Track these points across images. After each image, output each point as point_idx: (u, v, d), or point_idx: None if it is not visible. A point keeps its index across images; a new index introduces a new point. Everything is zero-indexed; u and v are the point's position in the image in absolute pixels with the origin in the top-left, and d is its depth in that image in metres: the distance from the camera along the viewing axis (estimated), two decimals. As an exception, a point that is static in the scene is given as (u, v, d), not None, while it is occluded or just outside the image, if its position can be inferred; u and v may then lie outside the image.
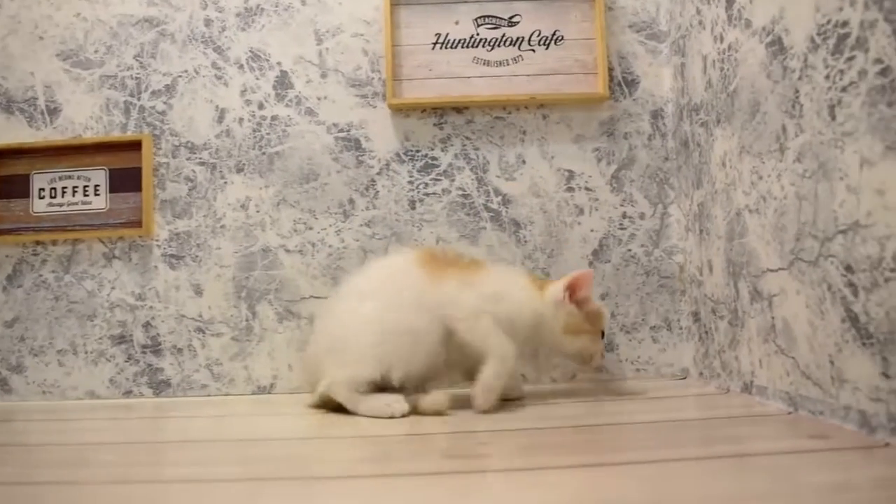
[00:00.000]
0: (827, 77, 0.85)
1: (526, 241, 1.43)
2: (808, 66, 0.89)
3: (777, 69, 0.97)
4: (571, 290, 1.16)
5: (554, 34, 1.44)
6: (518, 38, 1.44)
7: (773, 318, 1.02)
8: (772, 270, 1.01)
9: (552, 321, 1.16)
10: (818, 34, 0.87)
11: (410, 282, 1.13)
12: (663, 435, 0.90)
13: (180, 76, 1.48)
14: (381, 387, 1.11)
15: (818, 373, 0.90)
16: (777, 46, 0.97)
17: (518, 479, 0.72)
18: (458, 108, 1.45)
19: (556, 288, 1.17)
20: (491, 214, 1.43)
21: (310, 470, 0.80)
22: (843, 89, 0.82)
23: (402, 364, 1.10)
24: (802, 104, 0.91)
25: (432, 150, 1.45)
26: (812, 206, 0.89)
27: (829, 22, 0.84)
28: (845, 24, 0.81)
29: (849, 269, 0.82)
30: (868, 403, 0.80)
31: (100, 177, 1.47)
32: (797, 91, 0.92)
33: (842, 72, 0.82)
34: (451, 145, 1.45)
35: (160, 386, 1.43)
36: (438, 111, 1.45)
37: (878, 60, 0.76)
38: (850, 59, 0.80)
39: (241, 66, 1.47)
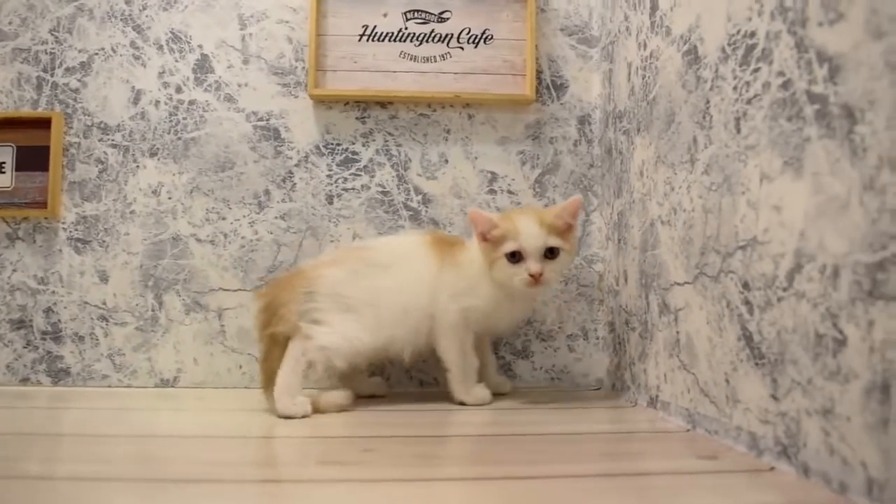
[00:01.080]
0: (735, 88, 0.83)
1: (445, 243, 1.39)
2: (719, 77, 0.87)
3: (691, 78, 0.95)
4: (478, 231, 1.15)
5: (484, 33, 1.41)
6: (447, 35, 1.41)
7: (677, 332, 1.00)
8: (678, 284, 0.99)
9: (484, 263, 1.16)
10: (729, 44, 0.85)
11: (422, 261, 1.19)
12: (559, 449, 0.87)
13: (97, 54, 1.41)
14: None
15: (715, 391, 0.88)
16: (692, 55, 0.95)
17: (391, 492, 0.68)
18: (382, 103, 1.41)
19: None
20: (410, 213, 1.40)
21: (177, 471, 0.75)
22: (749, 101, 0.80)
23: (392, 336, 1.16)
24: (712, 115, 0.89)
25: (353, 144, 1.41)
26: (716, 220, 0.87)
27: (738, 32, 0.82)
28: (753, 34, 0.79)
29: (746, 286, 0.80)
30: (757, 425, 0.78)
31: (6, 153, 1.40)
32: (708, 102, 0.90)
33: (748, 83, 0.80)
34: (373, 140, 1.41)
35: (59, 374, 1.37)
36: (362, 105, 1.41)
37: (781, 73, 0.74)
38: (756, 70, 0.78)
39: (161, 47, 1.41)
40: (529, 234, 1.10)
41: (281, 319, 1.13)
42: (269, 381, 1.12)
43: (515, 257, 1.10)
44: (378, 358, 1.21)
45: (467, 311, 1.17)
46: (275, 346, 1.14)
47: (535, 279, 1.09)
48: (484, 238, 1.14)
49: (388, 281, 1.17)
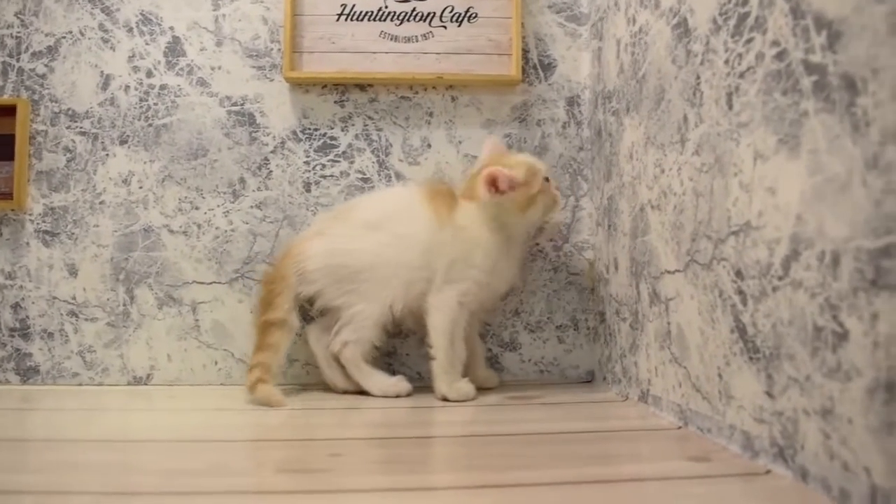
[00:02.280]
0: (726, 62, 0.77)
1: (428, 231, 1.34)
2: (710, 50, 0.81)
3: (681, 53, 0.89)
4: (492, 187, 1.12)
5: (468, 11, 1.34)
6: (429, 14, 1.34)
7: (668, 323, 0.94)
8: (669, 272, 0.93)
9: (509, 213, 1.15)
10: (720, 14, 0.79)
11: (419, 218, 1.17)
12: (545, 451, 0.81)
13: (64, 37, 1.35)
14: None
15: (707, 386, 0.83)
16: (682, 28, 0.89)
17: (362, 502, 0.63)
18: (362, 86, 1.35)
19: (484, 194, 1.13)
20: (392, 201, 1.34)
21: (144, 483, 0.69)
22: (741, 75, 0.74)
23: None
24: (703, 91, 0.83)
25: (332, 129, 1.34)
26: (708, 204, 0.81)
27: (730, 0, 0.76)
28: (746, 2, 0.73)
29: (739, 274, 0.74)
30: (752, 424, 0.73)
31: (-30, 143, 1.34)
32: (698, 77, 0.84)
33: (740, 56, 0.74)
34: (353, 125, 1.35)
35: (28, 373, 1.31)
36: (340, 88, 1.35)
37: (775, 42, 0.67)
38: (749, 41, 0.72)
39: (131, 30, 1.35)
40: (541, 165, 1.18)
41: (275, 308, 1.14)
42: (261, 374, 1.11)
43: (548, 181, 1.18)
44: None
45: (465, 295, 1.14)
46: (267, 334, 1.13)
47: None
48: (499, 191, 1.12)
49: (381, 240, 1.15)
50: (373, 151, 1.34)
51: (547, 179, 1.18)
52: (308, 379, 1.28)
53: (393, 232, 1.16)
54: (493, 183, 1.12)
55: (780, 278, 0.67)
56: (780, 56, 0.67)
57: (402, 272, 1.15)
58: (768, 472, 0.69)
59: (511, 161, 1.16)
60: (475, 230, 1.15)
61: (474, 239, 1.14)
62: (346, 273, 1.15)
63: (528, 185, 1.14)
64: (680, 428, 0.90)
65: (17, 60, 1.34)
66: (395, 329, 1.24)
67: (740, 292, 0.74)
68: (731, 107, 0.76)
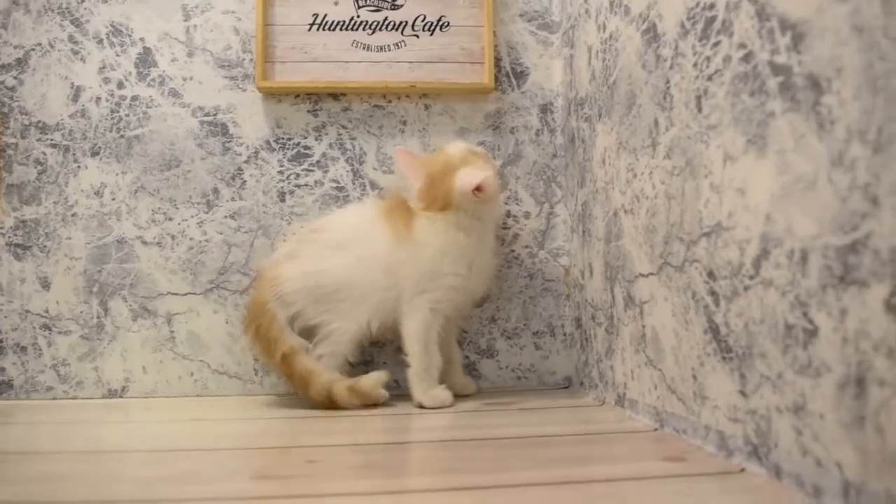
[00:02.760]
0: (695, 65, 0.78)
1: (403, 239, 1.33)
2: (679, 54, 0.82)
3: (651, 58, 0.90)
4: (478, 192, 1.12)
5: (440, 20, 1.35)
6: (401, 23, 1.35)
7: (643, 326, 0.94)
8: (643, 275, 0.94)
9: (485, 209, 1.17)
10: (688, 18, 0.79)
11: (378, 238, 1.16)
12: (522, 454, 0.81)
13: (33, 49, 1.34)
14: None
15: (682, 387, 0.83)
16: (651, 34, 0.90)
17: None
18: (335, 95, 1.35)
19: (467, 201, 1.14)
20: (367, 209, 1.34)
21: (120, 491, 0.69)
22: (709, 78, 0.75)
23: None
24: (672, 95, 0.84)
25: (305, 138, 1.34)
26: (679, 206, 0.82)
27: (697, 4, 0.77)
28: (712, 5, 0.74)
29: (711, 275, 0.75)
30: (726, 424, 0.73)
31: (-60, 157, 1.32)
32: (668, 81, 0.85)
33: (708, 59, 0.75)
34: (326, 134, 1.34)
35: (1, 387, 1.29)
36: (313, 97, 1.35)
37: (742, 45, 0.68)
38: (716, 44, 0.73)
39: (101, 41, 1.34)
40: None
41: (280, 342, 1.13)
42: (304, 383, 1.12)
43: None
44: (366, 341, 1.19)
45: (438, 302, 1.13)
46: (297, 363, 1.12)
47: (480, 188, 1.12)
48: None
49: (347, 262, 1.15)
50: (347, 160, 1.34)
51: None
52: (286, 388, 1.27)
53: (356, 254, 1.15)
54: (480, 190, 1.11)
55: (751, 278, 0.67)
56: (746, 58, 0.68)
57: (371, 293, 1.14)
58: (742, 470, 0.69)
59: (462, 158, 1.15)
60: (439, 241, 1.13)
61: (441, 249, 1.13)
62: (322, 293, 1.14)
63: (443, 177, 1.14)
64: (656, 430, 0.90)
65: (-14, 73, 1.33)
66: (372, 342, 1.24)
67: (713, 293, 0.75)
68: (700, 109, 0.77)
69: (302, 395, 1.13)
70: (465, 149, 1.17)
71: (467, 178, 1.11)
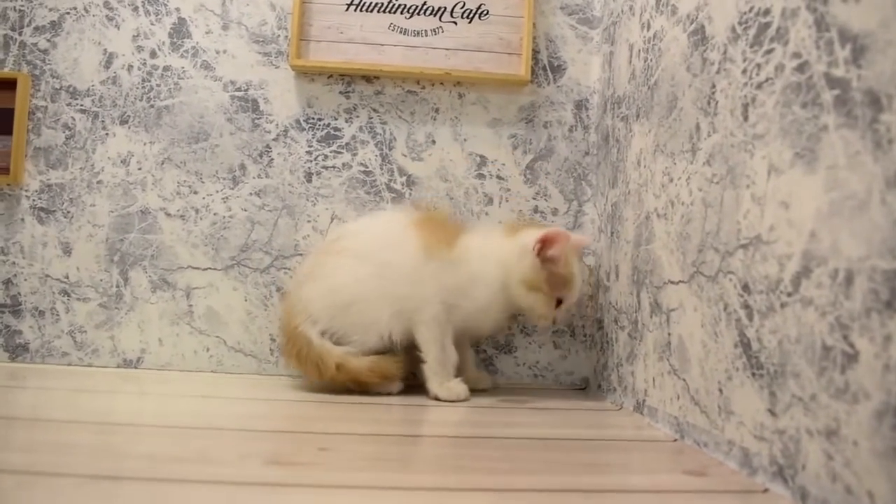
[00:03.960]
0: (744, 72, 0.76)
1: (428, 228, 1.32)
2: (727, 59, 0.80)
3: (697, 61, 0.88)
4: (543, 243, 1.08)
5: (479, 7, 1.33)
6: (440, 8, 1.33)
7: (669, 334, 0.93)
8: (672, 282, 0.92)
9: (514, 267, 1.11)
10: (739, 23, 0.77)
11: (404, 247, 1.12)
12: (537, 456, 0.80)
13: (68, 13, 1.33)
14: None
15: (706, 400, 0.81)
16: (699, 36, 0.87)
17: (344, 501, 0.61)
18: (368, 78, 1.33)
19: (530, 237, 1.09)
20: (393, 195, 1.32)
21: (129, 467, 0.68)
22: (759, 86, 0.72)
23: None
24: (718, 101, 0.81)
25: (336, 119, 1.33)
26: (717, 215, 0.80)
27: (751, 9, 0.75)
28: (767, 11, 0.72)
29: (746, 288, 0.73)
30: (751, 441, 0.71)
31: (-31, 115, 1.32)
32: (714, 86, 0.83)
33: (759, 66, 0.73)
34: (357, 116, 1.33)
35: (17, 350, 1.29)
36: (346, 78, 1.33)
37: (797, 55, 0.66)
38: (769, 52, 0.71)
39: (136, 9, 1.33)
40: (577, 289, 1.13)
41: (326, 364, 1.11)
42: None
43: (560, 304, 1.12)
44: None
45: (452, 308, 1.11)
46: (361, 373, 1.11)
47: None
48: (542, 250, 1.09)
49: (369, 269, 1.12)
50: (376, 144, 1.33)
51: (560, 302, 1.13)
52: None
53: (378, 261, 1.12)
54: (548, 242, 1.08)
55: (789, 294, 0.65)
56: (800, 68, 0.65)
57: (391, 302, 1.11)
58: (766, 490, 0.68)
59: (571, 259, 1.12)
60: (475, 265, 1.12)
61: (472, 274, 1.11)
62: (342, 306, 1.12)
63: (551, 280, 1.10)
64: (675, 440, 0.88)
65: (20, 34, 1.33)
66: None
67: (746, 307, 0.73)
68: (746, 118, 0.75)
69: (377, 391, 1.12)
70: (578, 272, 1.14)
71: (553, 229, 1.09)
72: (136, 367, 1.29)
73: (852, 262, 0.57)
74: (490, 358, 1.32)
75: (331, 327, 1.12)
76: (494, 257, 1.12)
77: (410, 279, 1.11)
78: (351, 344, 1.11)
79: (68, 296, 1.30)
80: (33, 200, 1.31)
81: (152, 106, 1.32)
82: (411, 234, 1.13)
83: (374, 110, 1.33)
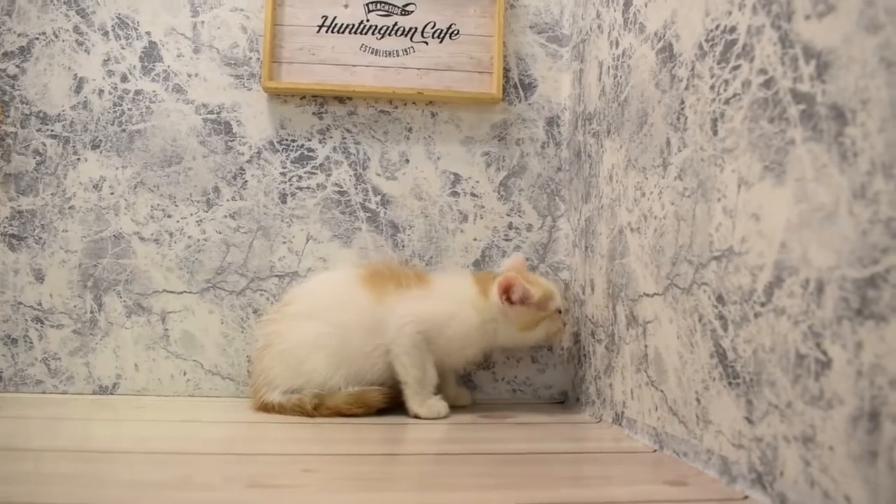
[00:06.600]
0: (712, 87, 0.78)
1: (404, 246, 1.33)
2: (695, 75, 0.82)
3: (666, 77, 0.90)
4: (505, 294, 1.12)
5: (449, 28, 1.34)
6: (411, 29, 1.34)
7: (646, 346, 0.94)
8: (648, 295, 0.93)
9: (506, 324, 1.14)
10: (706, 40, 0.79)
11: (354, 303, 1.13)
12: (518, 471, 0.80)
13: (37, 38, 1.32)
14: None
15: (684, 410, 0.82)
16: (667, 53, 0.89)
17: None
18: (341, 98, 1.34)
19: (495, 296, 1.13)
20: (368, 215, 1.33)
21: (106, 496, 0.67)
22: (727, 101, 0.74)
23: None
24: (687, 116, 0.83)
25: (309, 140, 1.33)
26: (690, 228, 0.82)
27: (717, 27, 0.77)
28: (733, 29, 0.74)
29: (720, 299, 0.74)
30: (730, 449, 0.73)
31: (-63, 143, 1.31)
32: (683, 102, 0.84)
33: (727, 82, 0.74)
34: (330, 137, 1.34)
35: (-11, 380, 1.28)
36: (319, 99, 1.34)
37: (763, 71, 0.68)
38: (736, 68, 0.73)
39: (106, 33, 1.33)
40: (554, 290, 1.17)
41: (298, 409, 1.10)
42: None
43: (560, 312, 1.17)
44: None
45: (427, 334, 1.11)
46: (342, 405, 1.11)
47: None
48: (510, 300, 1.12)
49: (322, 328, 1.13)
50: (350, 164, 1.33)
51: (559, 311, 1.18)
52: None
53: (329, 321, 1.13)
54: (506, 290, 1.11)
55: (762, 304, 0.67)
56: (767, 84, 0.67)
57: (350, 359, 1.12)
58: (746, 497, 0.69)
59: (531, 279, 1.16)
60: (459, 307, 1.14)
61: (455, 312, 1.14)
62: (296, 364, 1.12)
63: (538, 306, 1.14)
64: (655, 451, 0.89)
65: (-11, 60, 1.32)
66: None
67: (721, 317, 0.74)
68: (715, 132, 0.76)
69: (363, 413, 1.11)
70: (548, 287, 1.18)
71: (505, 276, 1.12)
72: (111, 394, 1.28)
73: (822, 272, 0.59)
74: (468, 374, 1.32)
75: (291, 386, 1.11)
76: (477, 319, 1.14)
77: (368, 329, 1.11)
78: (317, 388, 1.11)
79: (41, 323, 1.29)
80: (4, 227, 1.30)
81: (124, 130, 1.31)
82: (357, 290, 1.14)
83: (348, 130, 1.34)
